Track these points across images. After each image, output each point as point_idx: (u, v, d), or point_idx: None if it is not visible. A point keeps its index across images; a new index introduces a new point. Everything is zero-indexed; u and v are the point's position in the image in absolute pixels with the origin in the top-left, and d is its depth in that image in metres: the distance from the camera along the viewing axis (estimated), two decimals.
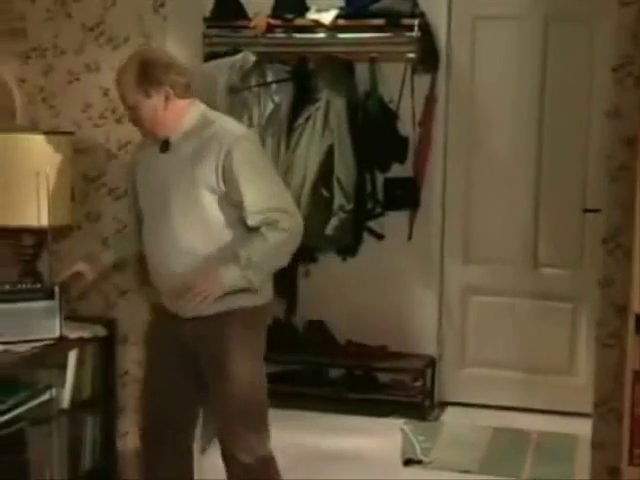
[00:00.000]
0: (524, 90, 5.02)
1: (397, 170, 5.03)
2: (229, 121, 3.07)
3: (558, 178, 5.03)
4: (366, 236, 5.11)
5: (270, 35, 4.93)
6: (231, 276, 2.83)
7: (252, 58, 4.92)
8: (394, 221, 5.08)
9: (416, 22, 4.73)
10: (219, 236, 2.90)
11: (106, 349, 3.60)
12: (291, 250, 2.95)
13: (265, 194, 2.90)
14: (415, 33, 4.72)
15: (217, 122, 2.97)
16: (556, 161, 5.02)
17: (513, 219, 5.09)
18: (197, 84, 3.55)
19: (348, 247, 5.09)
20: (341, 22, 4.85)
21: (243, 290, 2.89)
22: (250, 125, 4.80)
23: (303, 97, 4.97)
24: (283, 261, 2.97)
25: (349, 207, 4.86)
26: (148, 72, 2.88)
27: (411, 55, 4.76)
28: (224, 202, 2.89)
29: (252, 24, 4.94)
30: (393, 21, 4.75)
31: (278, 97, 4.96)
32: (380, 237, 5.10)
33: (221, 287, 2.84)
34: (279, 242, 2.89)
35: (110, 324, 3.61)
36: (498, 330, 5.13)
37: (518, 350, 5.10)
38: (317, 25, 4.88)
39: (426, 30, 4.86)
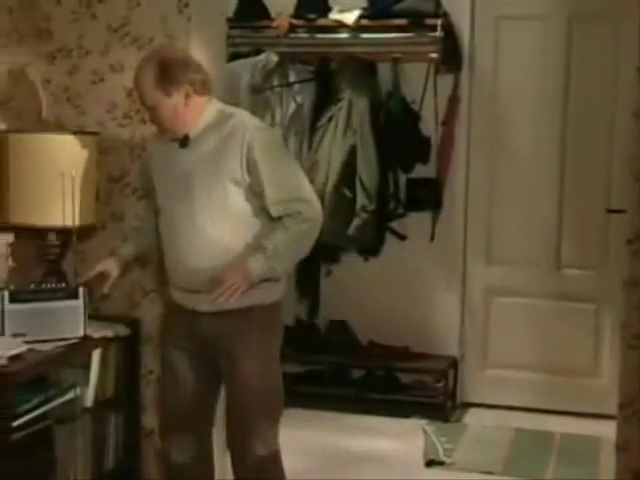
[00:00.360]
0: (548, 90, 5.00)
1: (420, 170, 5.02)
2: (247, 115, 3.09)
3: (582, 178, 5.01)
4: (388, 236, 5.10)
5: (293, 35, 4.95)
6: (258, 267, 2.85)
7: (275, 58, 4.93)
8: (416, 222, 5.07)
9: (439, 22, 4.73)
10: (246, 227, 2.92)
11: (129, 348, 3.60)
12: (312, 240, 2.96)
13: (286, 185, 2.92)
14: (438, 33, 4.72)
15: (236, 116, 2.99)
16: (580, 161, 5.00)
17: (536, 219, 5.07)
18: (220, 84, 3.57)
19: (370, 247, 5.09)
20: (364, 22, 4.86)
21: (263, 285, 2.90)
22: (272, 125, 4.82)
23: (325, 97, 4.98)
24: (305, 251, 2.98)
25: (371, 207, 4.86)
26: (167, 71, 2.88)
27: (434, 55, 4.77)
28: (249, 193, 2.90)
29: (275, 24, 4.95)
30: (416, 21, 4.76)
31: (300, 97, 4.97)
32: (402, 238, 5.10)
33: (250, 279, 2.85)
34: (301, 233, 2.91)
35: (133, 324, 3.62)
36: (521, 331, 5.11)
37: (541, 351, 5.08)
38: (340, 25, 4.89)
39: (449, 30, 4.86)
